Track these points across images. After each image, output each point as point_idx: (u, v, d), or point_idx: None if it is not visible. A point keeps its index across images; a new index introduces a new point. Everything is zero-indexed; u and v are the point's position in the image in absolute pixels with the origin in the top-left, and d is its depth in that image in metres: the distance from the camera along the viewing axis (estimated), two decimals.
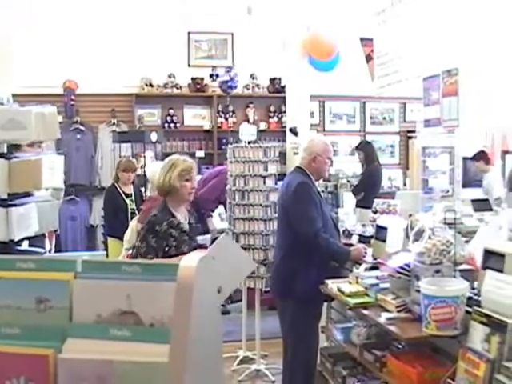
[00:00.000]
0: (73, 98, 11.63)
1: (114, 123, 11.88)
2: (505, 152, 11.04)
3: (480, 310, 3.73)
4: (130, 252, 5.42)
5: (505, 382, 3.34)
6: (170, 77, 12.24)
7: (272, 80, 12.56)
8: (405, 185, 12.58)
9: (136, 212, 8.43)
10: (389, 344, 4.79)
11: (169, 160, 5.24)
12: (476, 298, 3.96)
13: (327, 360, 5.77)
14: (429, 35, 7.53)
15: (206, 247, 4.69)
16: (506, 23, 10.99)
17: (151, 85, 12.15)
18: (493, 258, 4.01)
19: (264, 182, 7.26)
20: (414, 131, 12.12)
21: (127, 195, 8.82)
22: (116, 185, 8.91)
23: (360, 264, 5.55)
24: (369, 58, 10.24)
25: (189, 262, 1.65)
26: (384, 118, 13.36)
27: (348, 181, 9.88)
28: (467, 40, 11.12)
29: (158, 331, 1.73)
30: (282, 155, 8.90)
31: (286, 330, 5.93)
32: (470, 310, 3.85)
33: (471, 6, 10.56)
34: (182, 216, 5.18)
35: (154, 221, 4.98)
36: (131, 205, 8.75)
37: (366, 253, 5.85)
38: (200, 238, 5.32)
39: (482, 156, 10.36)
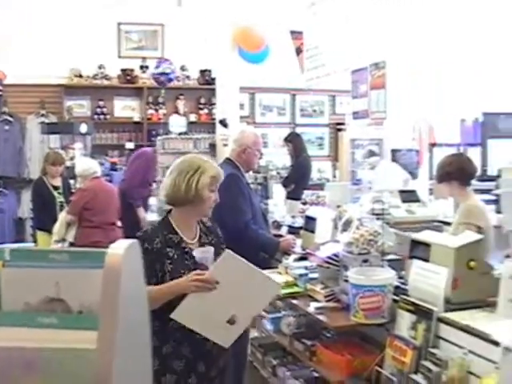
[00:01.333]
0: (0, 88, 11.44)
1: (42, 114, 11.75)
2: (432, 145, 11.20)
3: (407, 298, 3.81)
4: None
5: (431, 367, 3.41)
6: (99, 68, 12.15)
7: (202, 72, 12.55)
8: (334, 176, 12.70)
9: (64, 204, 8.33)
10: (318, 333, 4.83)
11: (190, 161, 4.00)
12: (403, 286, 4.05)
13: (257, 350, 5.80)
14: (357, 29, 7.63)
15: (205, 267, 3.81)
16: (430, 17, 11.19)
17: (81, 76, 12.04)
18: (419, 248, 4.09)
19: None
20: (343, 123, 12.23)
21: (55, 188, 8.71)
22: (44, 178, 8.78)
23: (289, 255, 5.59)
24: (299, 51, 10.30)
25: (116, 249, 1.65)
26: (314, 111, 13.47)
27: (278, 172, 9.96)
28: (394, 34, 11.29)
29: (87, 318, 1.73)
30: (212, 147, 8.93)
31: None
32: (397, 298, 3.93)
33: (398, 1, 10.74)
34: (190, 234, 3.96)
35: (142, 237, 3.80)
36: (59, 197, 8.63)
37: (295, 243, 5.90)
38: (199, 253, 4.00)
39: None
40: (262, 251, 5.83)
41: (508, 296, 2.38)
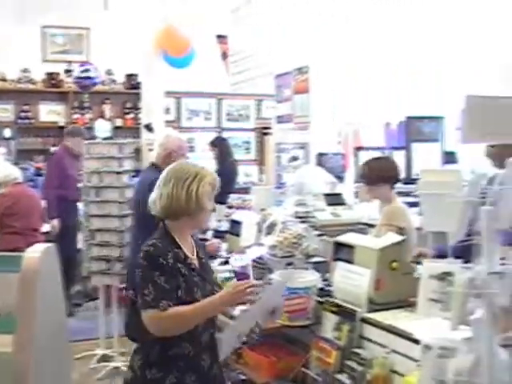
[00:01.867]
0: None
1: None
2: (358, 148, 11.34)
3: (331, 300, 3.86)
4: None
5: (355, 367, 3.48)
6: (24, 71, 11.94)
7: (128, 76, 12.46)
8: (261, 180, 12.74)
9: None
10: (246, 336, 4.85)
11: (185, 168, 3.64)
12: (328, 288, 4.10)
13: None
14: (281, 34, 7.68)
15: (246, 275, 3.79)
16: (354, 21, 11.34)
17: (4, 79, 11.83)
18: (343, 250, 4.15)
19: (119, 179, 7.21)
20: (269, 128, 12.30)
21: None
22: None
23: (215, 258, 5.61)
24: (225, 56, 10.34)
25: (33, 252, 1.65)
26: (240, 115, 13.48)
27: None
28: (318, 38, 11.41)
29: (5, 322, 1.71)
30: (137, 152, 8.89)
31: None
32: (322, 300, 3.98)
33: (320, 6, 10.83)
34: (189, 249, 3.61)
35: (154, 252, 3.41)
36: None
37: (220, 247, 5.92)
38: (237, 263, 3.97)
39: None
40: None
41: (427, 295, 2.44)
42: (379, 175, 5.49)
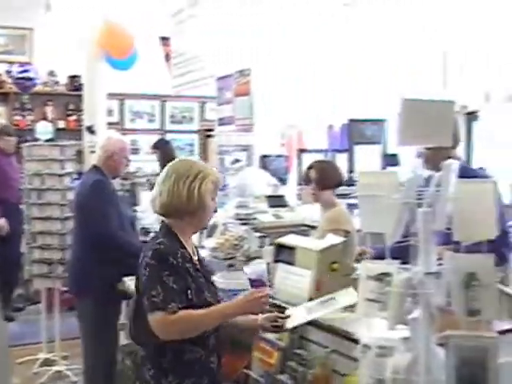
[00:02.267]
0: None
1: None
2: (301, 150, 11.41)
3: (273, 301, 3.88)
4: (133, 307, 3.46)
5: (296, 368, 3.50)
6: None
7: (71, 77, 12.35)
8: None
9: None
10: None
11: (187, 165, 3.50)
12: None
13: (127, 357, 5.77)
14: (223, 36, 7.70)
15: (262, 283, 3.61)
16: (295, 24, 11.42)
17: None
18: (284, 252, 4.18)
19: (61, 181, 7.16)
20: (212, 130, 12.31)
21: None
22: None
23: None
24: (168, 58, 10.31)
25: None
26: (184, 117, 13.47)
27: (148, 179, 9.89)
28: (260, 41, 11.47)
29: None
30: (79, 154, 8.82)
31: (85, 330, 5.85)
32: None
33: (263, 9, 10.88)
34: (191, 249, 3.52)
35: (164, 250, 3.28)
36: None
37: None
38: (253, 270, 3.78)
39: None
40: (130, 257, 5.80)
41: (365, 296, 2.47)
42: (323, 181, 5.56)
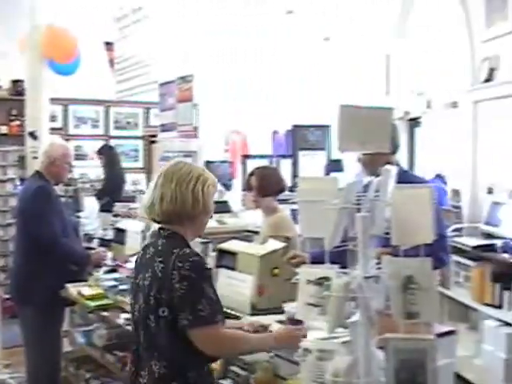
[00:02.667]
0: None
1: None
2: (245, 156, 11.46)
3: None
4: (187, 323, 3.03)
5: (238, 372, 3.52)
6: None
7: (14, 82, 12.20)
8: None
9: None
10: (130, 344, 4.84)
11: (187, 168, 3.29)
12: None
13: (71, 364, 5.76)
14: (166, 42, 7.70)
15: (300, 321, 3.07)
16: (236, 31, 11.48)
17: None
18: (226, 257, 4.20)
19: (3, 187, 7.09)
20: (156, 135, 12.27)
21: None
22: None
23: (101, 267, 5.58)
24: (112, 63, 10.26)
25: None
26: (128, 123, 13.39)
27: (92, 185, 9.84)
28: (203, 47, 11.50)
29: None
30: (22, 159, 8.73)
31: (27, 337, 5.80)
32: None
33: (206, 16, 10.91)
34: None
35: (201, 261, 3.14)
36: None
37: (105, 256, 5.89)
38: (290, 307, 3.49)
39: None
40: (73, 264, 5.78)
41: (304, 300, 2.49)
42: (264, 187, 5.59)
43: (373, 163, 3.89)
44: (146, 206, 3.25)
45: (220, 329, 3.06)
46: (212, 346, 3.03)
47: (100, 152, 10.52)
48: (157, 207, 3.19)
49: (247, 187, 5.83)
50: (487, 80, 7.36)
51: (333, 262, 2.54)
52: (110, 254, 6.00)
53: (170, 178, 3.20)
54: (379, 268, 2.45)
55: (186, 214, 3.20)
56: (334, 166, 9.51)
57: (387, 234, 2.46)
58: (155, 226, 3.52)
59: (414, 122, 9.88)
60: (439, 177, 7.98)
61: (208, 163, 9.35)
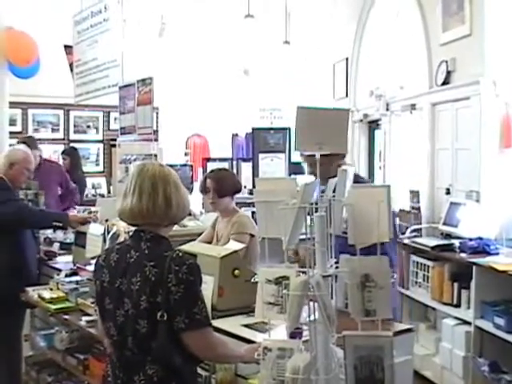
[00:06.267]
0: None
1: None
2: (206, 159, 11.48)
3: None
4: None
5: (200, 372, 3.53)
6: None
7: None
8: (109, 192, 12.61)
9: None
10: (91, 347, 4.85)
11: (168, 171, 3.25)
12: None
13: (32, 368, 5.73)
14: (126, 45, 7.70)
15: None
16: (195, 34, 11.51)
17: None
18: None
19: None
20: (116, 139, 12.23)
21: None
22: None
23: (61, 270, 5.58)
24: (72, 67, 10.22)
25: None
26: (88, 127, 13.32)
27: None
28: (161, 50, 11.52)
29: None
30: None
31: None
32: None
33: (167, 19, 10.92)
34: None
35: (196, 264, 3.13)
36: None
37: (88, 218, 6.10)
38: None
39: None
40: (54, 221, 5.92)
41: (264, 299, 2.52)
42: (221, 188, 5.64)
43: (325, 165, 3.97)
44: (129, 210, 3.13)
45: (213, 332, 3.09)
46: (205, 349, 3.06)
47: (67, 153, 10.46)
48: (145, 211, 3.10)
49: (204, 190, 5.87)
50: (444, 83, 7.46)
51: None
52: (69, 258, 6.07)
53: (157, 181, 3.14)
54: (337, 267, 2.49)
55: (172, 218, 3.19)
56: (295, 168, 9.55)
57: (345, 233, 2.50)
58: (129, 229, 3.51)
59: (373, 124, 9.98)
60: None
61: (168, 166, 9.35)
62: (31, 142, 8.12)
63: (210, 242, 5.61)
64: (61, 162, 10.37)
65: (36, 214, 5.91)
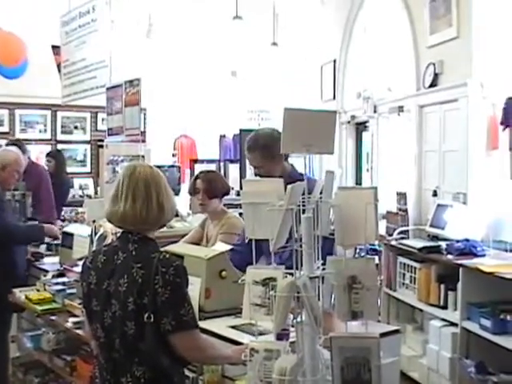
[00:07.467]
0: None
1: None
2: (193, 161, 11.49)
3: None
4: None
5: (187, 374, 3.53)
6: None
7: None
8: (96, 193, 12.58)
9: None
10: (78, 348, 4.84)
11: (159, 174, 3.23)
12: None
13: (18, 369, 5.72)
14: (114, 46, 7.70)
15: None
16: (184, 35, 11.51)
17: None
18: None
19: None
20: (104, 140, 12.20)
21: None
22: None
23: (47, 272, 5.57)
24: (60, 67, 10.20)
25: None
26: (75, 127, 13.27)
27: None
28: (150, 51, 11.51)
29: None
30: None
31: None
32: None
33: (154, 20, 10.91)
34: None
35: (182, 265, 3.16)
36: None
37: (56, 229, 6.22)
38: None
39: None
40: (33, 239, 5.94)
41: (251, 300, 2.52)
42: (210, 190, 5.65)
43: (270, 172, 4.14)
44: (121, 214, 3.11)
45: (200, 334, 3.10)
46: (193, 351, 3.07)
47: (52, 155, 10.42)
48: (138, 216, 3.08)
49: (193, 191, 5.87)
50: (432, 85, 7.49)
51: (279, 263, 2.56)
52: (56, 259, 6.06)
53: (149, 184, 3.13)
54: (324, 269, 2.49)
55: (163, 221, 3.23)
56: None
57: (332, 234, 2.50)
58: (117, 230, 3.51)
59: (361, 126, 10.01)
60: None
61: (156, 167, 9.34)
62: (21, 146, 8.12)
63: (198, 243, 5.60)
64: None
65: (21, 231, 5.95)
